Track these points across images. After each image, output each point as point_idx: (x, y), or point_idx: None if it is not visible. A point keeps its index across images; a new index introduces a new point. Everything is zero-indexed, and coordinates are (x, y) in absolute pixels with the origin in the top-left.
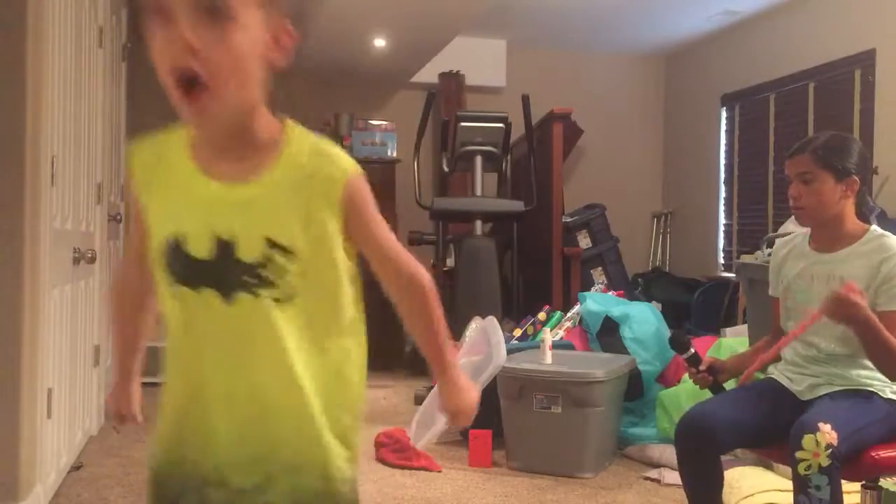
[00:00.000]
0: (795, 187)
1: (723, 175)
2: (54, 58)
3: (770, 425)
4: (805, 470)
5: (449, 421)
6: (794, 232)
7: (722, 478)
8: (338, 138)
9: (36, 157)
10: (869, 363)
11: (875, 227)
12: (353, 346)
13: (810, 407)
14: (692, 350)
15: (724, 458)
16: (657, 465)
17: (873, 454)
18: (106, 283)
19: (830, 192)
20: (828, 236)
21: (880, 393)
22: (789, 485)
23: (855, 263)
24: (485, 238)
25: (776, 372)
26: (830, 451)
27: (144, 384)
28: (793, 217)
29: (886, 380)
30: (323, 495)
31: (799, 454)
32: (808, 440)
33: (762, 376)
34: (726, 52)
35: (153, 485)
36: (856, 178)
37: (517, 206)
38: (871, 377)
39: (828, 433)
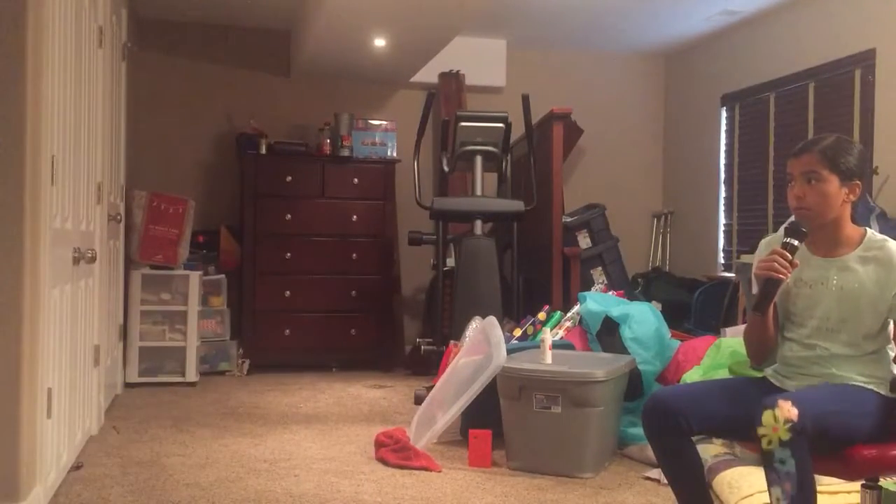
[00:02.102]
0: (799, 187)
1: (723, 175)
2: (54, 58)
3: (749, 417)
4: (767, 445)
5: None
6: None
7: (698, 462)
8: (338, 138)
9: (36, 157)
10: (869, 365)
11: (872, 231)
12: None
13: None
14: (797, 245)
15: (724, 458)
16: (657, 465)
17: (866, 452)
18: (106, 282)
19: (835, 195)
20: (827, 239)
21: (876, 389)
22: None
23: (859, 269)
24: (485, 238)
25: (771, 374)
26: (790, 425)
27: (145, 384)
28: (792, 217)
29: (883, 379)
30: None
31: (759, 430)
32: (767, 416)
33: (759, 375)
34: (726, 52)
35: None
36: (858, 181)
37: (517, 206)
38: (869, 376)
39: (787, 409)
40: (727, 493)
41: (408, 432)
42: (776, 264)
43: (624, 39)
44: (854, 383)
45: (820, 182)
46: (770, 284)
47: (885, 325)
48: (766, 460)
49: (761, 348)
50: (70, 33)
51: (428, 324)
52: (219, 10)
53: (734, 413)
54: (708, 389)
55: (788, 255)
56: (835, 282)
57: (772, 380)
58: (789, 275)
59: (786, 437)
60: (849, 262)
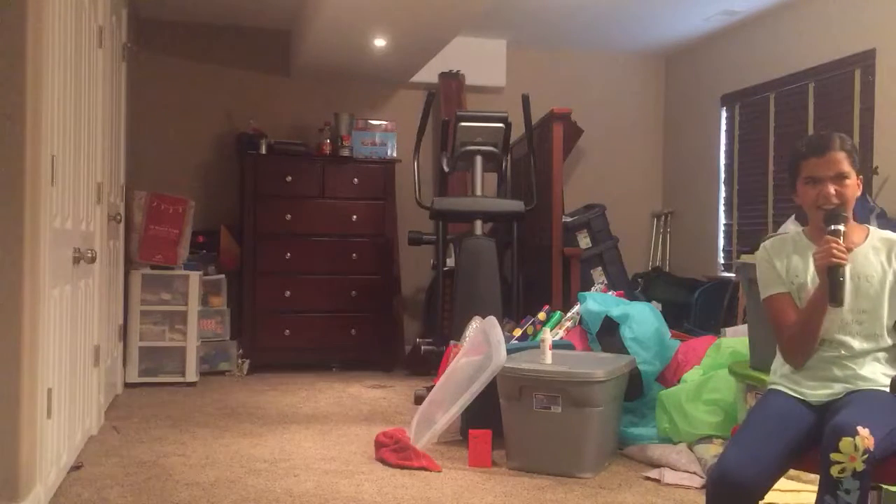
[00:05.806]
0: (831, 187)
1: (723, 175)
2: (54, 58)
3: (796, 449)
4: (839, 473)
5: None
6: (791, 231)
7: None
8: (338, 138)
9: (36, 157)
10: (888, 364)
11: (873, 228)
12: None
13: (840, 408)
14: (843, 229)
15: None
16: (657, 465)
17: None
18: (106, 282)
19: (855, 189)
20: None
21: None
22: (791, 485)
23: (871, 261)
24: (485, 238)
25: (781, 383)
26: (867, 456)
27: (145, 384)
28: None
29: None
30: None
31: (834, 456)
32: (846, 443)
33: (768, 385)
34: (726, 52)
35: None
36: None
37: (517, 206)
38: (890, 377)
39: (866, 438)
40: None
41: (408, 432)
42: (834, 250)
43: (624, 39)
44: (878, 388)
45: (847, 179)
46: (835, 272)
47: None
48: (830, 486)
49: (812, 346)
50: (70, 33)
51: (428, 324)
52: (219, 10)
53: (793, 455)
54: (765, 442)
55: (839, 240)
56: (851, 274)
57: (785, 391)
58: (847, 257)
59: (861, 467)
60: (861, 254)
